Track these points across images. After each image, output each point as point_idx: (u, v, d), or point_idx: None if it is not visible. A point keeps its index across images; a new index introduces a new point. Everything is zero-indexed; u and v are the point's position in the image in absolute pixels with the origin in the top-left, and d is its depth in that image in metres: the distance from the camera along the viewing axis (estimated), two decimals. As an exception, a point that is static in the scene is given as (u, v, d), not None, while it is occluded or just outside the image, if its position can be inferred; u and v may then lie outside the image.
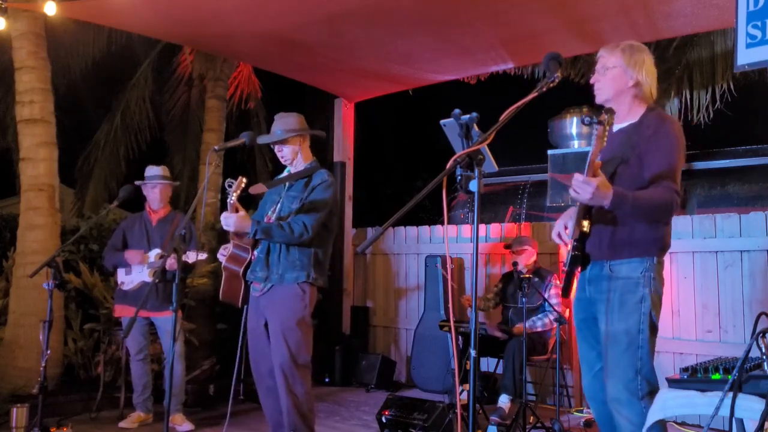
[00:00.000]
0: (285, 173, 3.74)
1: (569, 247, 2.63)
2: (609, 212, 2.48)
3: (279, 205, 3.60)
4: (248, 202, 4.94)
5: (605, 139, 2.28)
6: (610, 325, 2.52)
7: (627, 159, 2.55)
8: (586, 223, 2.56)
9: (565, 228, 2.69)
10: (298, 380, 3.41)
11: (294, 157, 3.63)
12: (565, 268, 2.68)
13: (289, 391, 3.39)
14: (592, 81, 2.68)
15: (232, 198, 3.25)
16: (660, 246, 2.58)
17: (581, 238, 2.58)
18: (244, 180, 3.25)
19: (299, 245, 3.45)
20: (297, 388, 3.41)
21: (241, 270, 3.55)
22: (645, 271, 2.52)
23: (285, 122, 3.60)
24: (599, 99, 2.66)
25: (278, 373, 3.41)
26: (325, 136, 3.84)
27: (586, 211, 2.55)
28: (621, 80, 2.61)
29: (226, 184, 3.25)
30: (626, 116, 2.65)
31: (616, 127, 2.69)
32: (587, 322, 2.69)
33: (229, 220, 3.29)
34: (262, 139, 3.58)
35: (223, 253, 3.58)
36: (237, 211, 3.30)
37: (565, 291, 2.73)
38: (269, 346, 3.52)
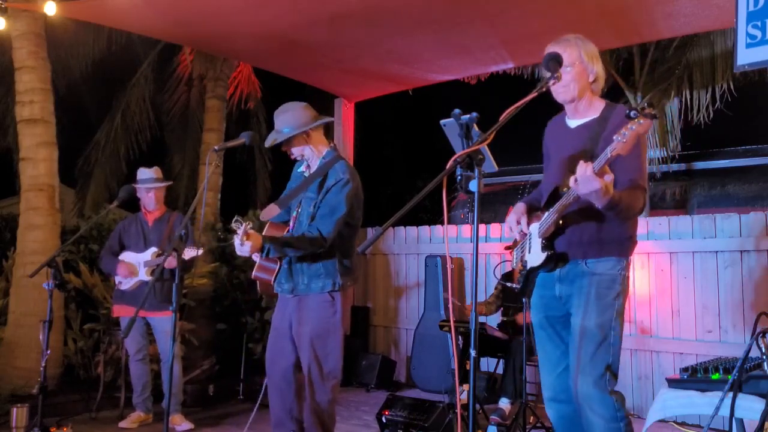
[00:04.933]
0: (303, 165, 3.53)
1: (532, 246, 2.55)
2: (584, 210, 2.44)
3: (300, 206, 3.43)
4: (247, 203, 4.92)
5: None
6: (587, 319, 2.46)
7: (596, 155, 2.39)
8: (560, 221, 2.49)
9: (517, 223, 2.62)
10: (321, 389, 3.32)
11: (303, 153, 3.40)
12: (524, 270, 2.61)
13: (312, 398, 3.32)
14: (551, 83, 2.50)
15: (242, 240, 3.09)
16: (632, 244, 2.57)
17: (553, 237, 2.53)
18: (250, 224, 3.11)
19: (321, 255, 3.30)
20: (320, 396, 3.32)
21: (272, 278, 3.43)
22: (621, 270, 2.50)
23: (283, 120, 3.35)
24: (563, 99, 2.57)
25: (306, 381, 3.33)
26: (333, 120, 3.60)
27: (562, 209, 2.47)
28: (583, 76, 2.53)
29: (233, 225, 3.09)
30: (586, 111, 2.58)
31: (575, 123, 2.61)
32: (554, 320, 2.63)
33: (244, 248, 3.13)
34: (267, 141, 3.37)
35: (257, 256, 3.35)
36: (248, 237, 3.12)
37: (524, 291, 2.65)
38: (288, 347, 3.42)
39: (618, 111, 2.52)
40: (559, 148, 2.65)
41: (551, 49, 2.53)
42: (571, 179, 2.25)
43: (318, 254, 3.30)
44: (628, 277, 2.54)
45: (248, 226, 3.07)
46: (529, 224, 2.62)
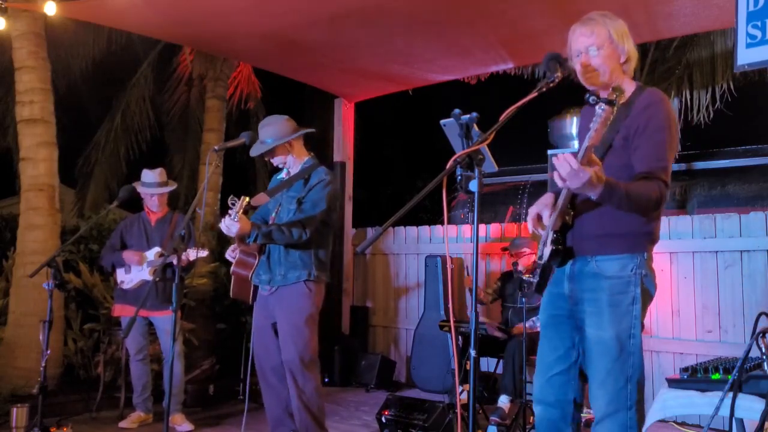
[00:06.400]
0: (283, 172, 3.76)
1: (548, 239, 2.41)
2: (592, 201, 2.25)
3: (280, 207, 3.62)
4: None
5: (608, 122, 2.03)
6: (601, 330, 2.30)
7: (615, 144, 2.31)
8: (570, 214, 2.36)
9: (539, 217, 2.45)
10: (306, 377, 3.46)
11: (286, 161, 3.65)
12: (540, 263, 2.45)
13: (297, 389, 3.45)
14: (582, 64, 2.37)
15: (236, 216, 3.23)
16: (650, 239, 2.37)
17: (562, 230, 2.37)
18: (247, 199, 3.25)
19: (299, 246, 3.47)
20: (306, 386, 3.46)
21: (250, 274, 3.59)
22: (636, 268, 2.31)
23: (267, 132, 3.57)
24: (593, 84, 2.39)
25: (287, 371, 3.47)
26: (314, 131, 3.79)
27: (571, 201, 2.35)
28: (614, 58, 2.36)
29: (229, 202, 3.24)
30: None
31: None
32: (559, 319, 2.47)
33: (232, 228, 3.26)
34: (253, 152, 3.56)
35: (231, 255, 3.59)
36: (238, 220, 3.28)
37: (541, 288, 2.50)
38: (273, 344, 3.57)
39: (645, 95, 2.34)
40: (582, 134, 2.48)
41: (577, 30, 2.41)
42: (555, 175, 2.12)
43: (296, 245, 3.46)
44: (647, 275, 2.32)
45: (245, 201, 3.19)
46: (551, 215, 2.44)
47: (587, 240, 2.37)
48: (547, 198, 2.50)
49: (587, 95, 2.05)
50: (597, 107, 2.01)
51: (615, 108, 2.01)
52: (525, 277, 4.32)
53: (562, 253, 2.38)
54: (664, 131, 2.30)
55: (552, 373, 2.47)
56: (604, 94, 2.39)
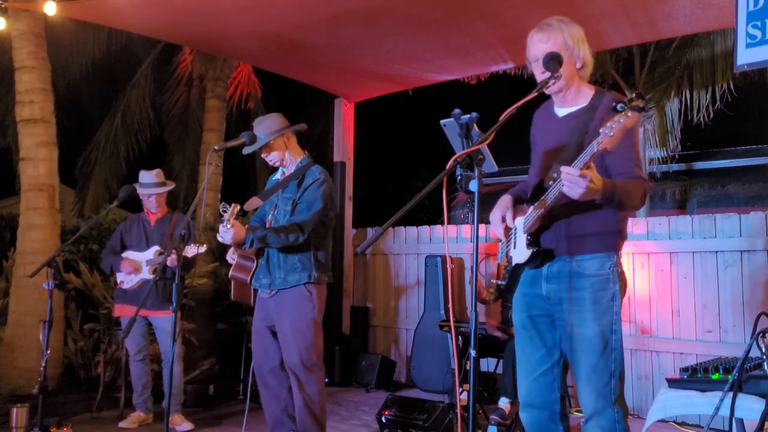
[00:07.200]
0: (278, 173, 3.74)
1: (519, 241, 2.44)
2: (570, 204, 2.27)
3: (276, 209, 3.61)
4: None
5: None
6: (585, 328, 2.33)
7: (584, 147, 2.26)
8: (548, 216, 2.37)
9: (502, 219, 2.48)
10: (309, 378, 3.46)
11: (283, 158, 3.60)
12: (509, 267, 2.49)
13: (300, 390, 3.45)
14: (540, 72, 2.40)
15: (228, 224, 3.24)
16: (622, 238, 2.44)
17: (538, 233, 2.40)
18: (238, 207, 3.26)
19: (296, 248, 3.46)
20: (308, 388, 3.46)
21: (248, 278, 3.59)
22: (613, 266, 2.36)
23: (265, 126, 3.55)
24: (550, 90, 2.41)
25: (289, 372, 3.48)
26: (306, 128, 3.77)
27: (545, 205, 2.34)
28: (570, 64, 2.39)
29: (220, 209, 3.25)
30: (575, 100, 2.45)
31: (563, 112, 2.49)
32: (538, 319, 2.48)
33: (227, 235, 3.28)
34: (247, 150, 3.51)
35: (231, 257, 3.59)
36: (232, 226, 3.28)
37: (510, 288, 2.53)
38: (272, 346, 3.56)
39: (607, 99, 2.38)
40: (545, 138, 2.55)
41: (534, 36, 2.44)
42: (561, 186, 2.15)
43: (294, 248, 3.44)
44: (622, 272, 2.41)
45: (237, 209, 3.20)
46: (515, 218, 2.49)
47: (565, 241, 2.40)
48: (506, 200, 2.53)
49: (614, 102, 2.02)
50: (624, 113, 1.99)
51: (640, 116, 2.00)
52: (494, 280, 4.31)
53: (541, 255, 2.40)
54: (632, 134, 2.34)
55: (538, 372, 2.50)
56: (558, 98, 2.48)
